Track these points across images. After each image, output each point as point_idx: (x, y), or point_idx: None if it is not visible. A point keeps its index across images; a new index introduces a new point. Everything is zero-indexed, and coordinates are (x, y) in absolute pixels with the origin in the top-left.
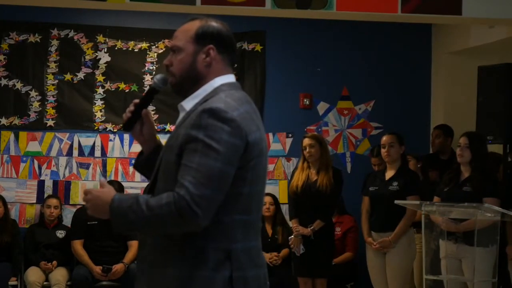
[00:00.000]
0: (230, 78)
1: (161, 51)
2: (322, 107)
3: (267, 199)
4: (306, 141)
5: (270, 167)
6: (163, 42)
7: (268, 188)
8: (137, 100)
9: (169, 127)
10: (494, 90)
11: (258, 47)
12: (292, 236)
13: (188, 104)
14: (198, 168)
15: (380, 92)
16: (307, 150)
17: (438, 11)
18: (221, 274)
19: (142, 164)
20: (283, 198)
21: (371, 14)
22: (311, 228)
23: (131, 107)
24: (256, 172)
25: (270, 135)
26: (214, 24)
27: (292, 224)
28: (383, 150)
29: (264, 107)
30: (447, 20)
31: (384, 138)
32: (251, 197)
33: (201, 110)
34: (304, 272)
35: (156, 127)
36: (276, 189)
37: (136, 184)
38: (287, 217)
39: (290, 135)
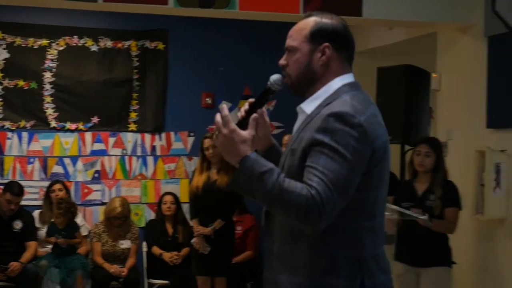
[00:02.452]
0: (350, 77)
1: (62, 48)
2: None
3: (168, 198)
4: (207, 142)
5: (172, 166)
6: (64, 39)
7: (170, 187)
8: (252, 100)
9: (69, 125)
10: (393, 90)
11: (161, 46)
12: (194, 239)
13: (308, 106)
14: (324, 172)
15: (281, 92)
16: (209, 150)
17: (339, 12)
18: (354, 282)
19: None
20: (184, 197)
21: (273, 14)
22: (212, 227)
23: (246, 107)
24: (381, 177)
25: (172, 133)
26: (329, 20)
27: (192, 224)
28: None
29: (166, 106)
30: (348, 21)
31: (286, 138)
32: (376, 202)
33: (327, 113)
34: (204, 271)
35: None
36: (177, 188)
37: (34, 183)
38: (188, 216)
39: (192, 134)
